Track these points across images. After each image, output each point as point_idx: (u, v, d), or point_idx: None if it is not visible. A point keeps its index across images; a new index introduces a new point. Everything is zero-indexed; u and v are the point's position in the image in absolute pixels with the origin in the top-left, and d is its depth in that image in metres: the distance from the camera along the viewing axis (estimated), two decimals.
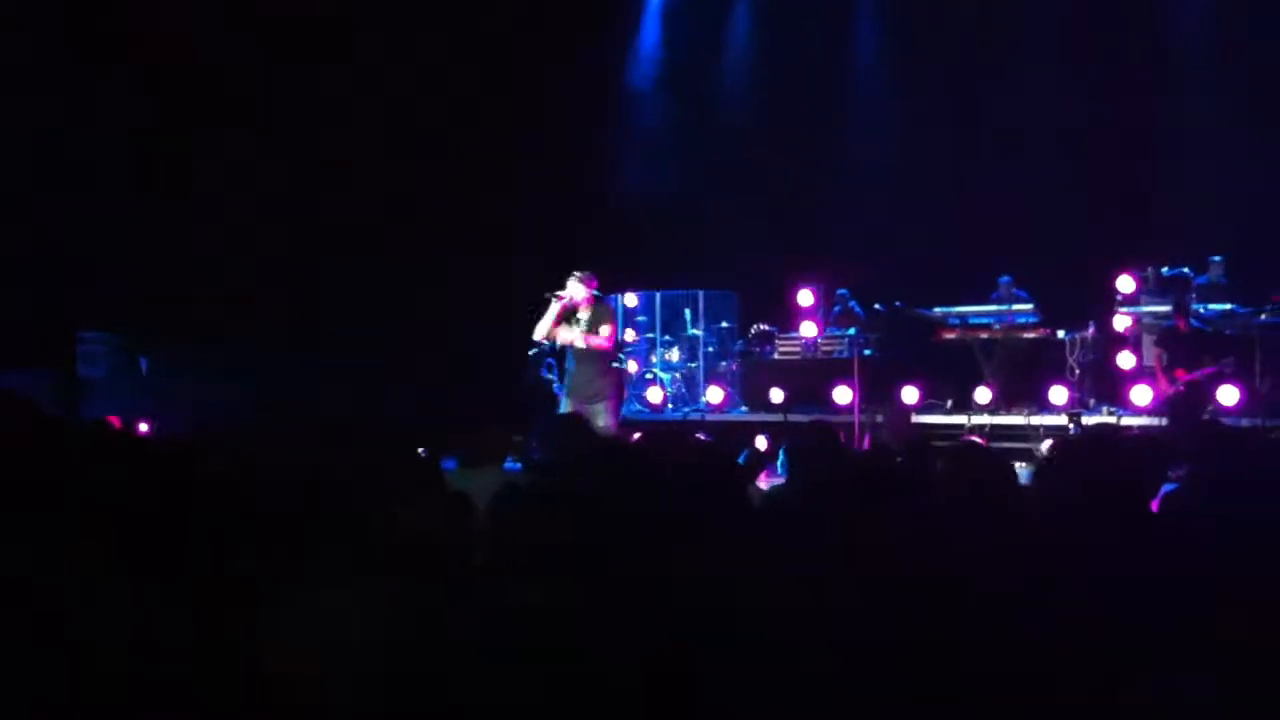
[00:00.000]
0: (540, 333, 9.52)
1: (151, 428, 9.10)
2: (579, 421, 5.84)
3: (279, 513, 3.25)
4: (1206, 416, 10.77)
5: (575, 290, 9.27)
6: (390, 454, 3.75)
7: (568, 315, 9.36)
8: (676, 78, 16.15)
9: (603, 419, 9.05)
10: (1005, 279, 13.06)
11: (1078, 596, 2.80)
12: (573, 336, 9.25)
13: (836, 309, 14.17)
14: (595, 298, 9.45)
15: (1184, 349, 11.06)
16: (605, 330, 9.29)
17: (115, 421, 7.83)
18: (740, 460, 6.31)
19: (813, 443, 4.53)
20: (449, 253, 14.47)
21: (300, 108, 14.04)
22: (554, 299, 9.31)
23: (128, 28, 13.25)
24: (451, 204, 14.73)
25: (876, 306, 13.43)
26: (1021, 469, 5.56)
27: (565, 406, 9.45)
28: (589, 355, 9.29)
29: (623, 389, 10.29)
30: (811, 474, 4.22)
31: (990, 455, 4.02)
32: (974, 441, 7.14)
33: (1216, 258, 12.62)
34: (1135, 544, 3.02)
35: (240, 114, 13.84)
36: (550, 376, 13.25)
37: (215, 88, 13.70)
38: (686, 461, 4.03)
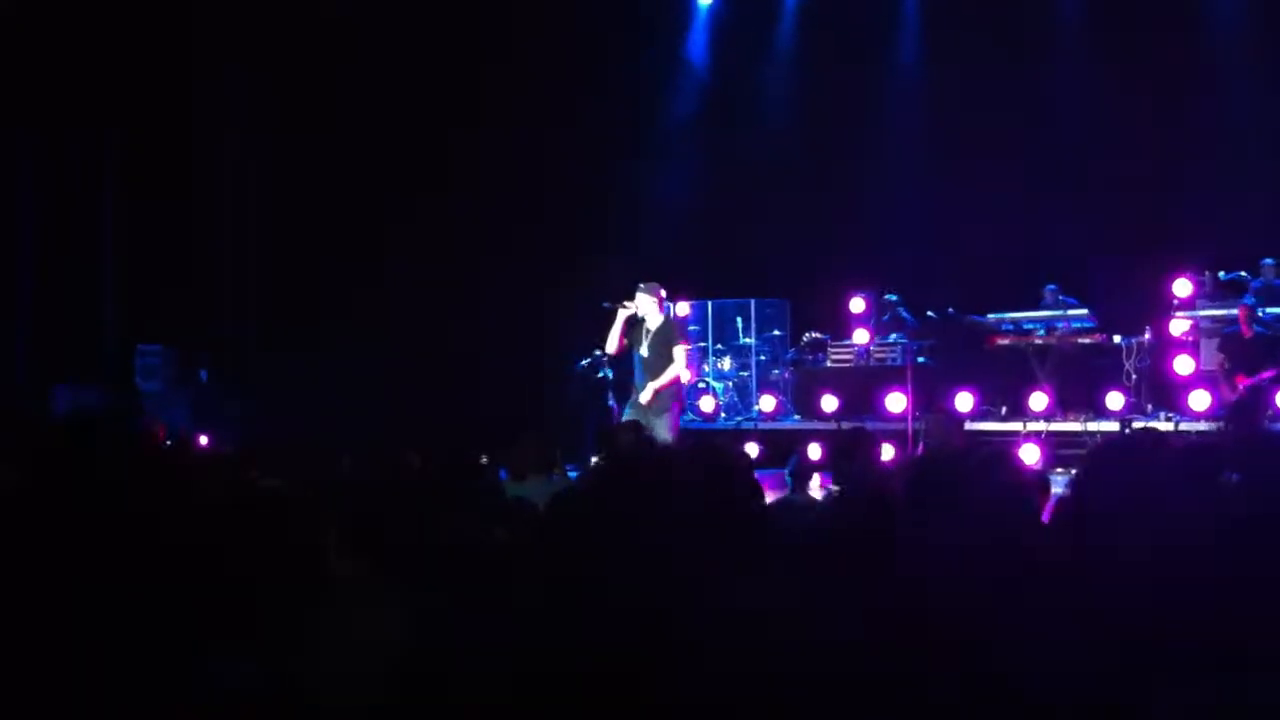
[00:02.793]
0: (611, 346, 9.62)
1: (211, 440, 9.21)
2: (621, 431, 5.91)
3: (340, 521, 3.30)
4: (1266, 421, 10.65)
5: (642, 302, 9.32)
6: (453, 462, 3.79)
7: (633, 325, 9.41)
8: (726, 83, 16.15)
9: (662, 433, 9.00)
10: (1051, 287, 12.91)
11: (1112, 610, 2.77)
12: (653, 384, 9.19)
13: (886, 316, 14.08)
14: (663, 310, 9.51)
15: (1246, 354, 10.91)
16: (679, 353, 9.29)
17: (160, 433, 7.93)
18: (789, 469, 6.35)
19: (851, 448, 4.50)
20: (487, 262, 14.56)
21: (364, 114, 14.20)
22: (619, 309, 9.37)
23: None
24: (495, 212, 14.80)
25: (929, 313, 13.35)
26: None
27: (628, 415, 9.44)
28: (649, 373, 9.27)
29: (683, 402, 10.28)
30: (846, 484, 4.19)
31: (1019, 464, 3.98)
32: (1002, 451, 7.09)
33: (1268, 260, 12.42)
34: (1177, 553, 2.98)
35: (296, 119, 14.02)
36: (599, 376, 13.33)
37: (266, 93, 13.90)
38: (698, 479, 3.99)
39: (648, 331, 9.36)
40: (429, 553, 3.21)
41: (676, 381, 9.49)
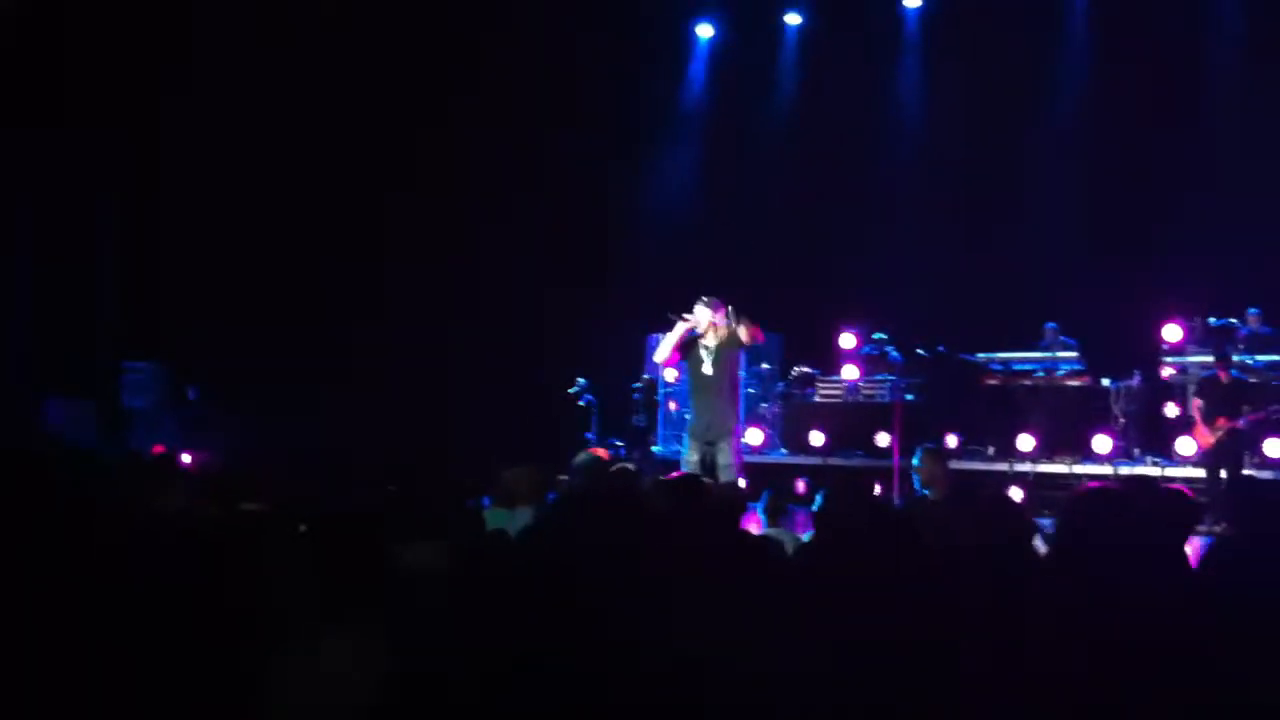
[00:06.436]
0: (661, 356, 9.33)
1: (195, 459, 9.16)
2: (595, 465, 5.89)
3: (308, 549, 3.28)
4: (1247, 467, 10.68)
5: (702, 315, 8.98)
6: (414, 493, 3.77)
7: (689, 342, 9.05)
8: (723, 116, 16.20)
9: (725, 457, 8.73)
10: (1051, 325, 12.97)
11: (1095, 662, 2.76)
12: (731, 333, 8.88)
13: (868, 349, 13.99)
14: (726, 323, 9.03)
15: (1224, 399, 10.92)
16: (746, 330, 8.88)
17: (158, 451, 7.92)
18: (761, 503, 6.34)
19: (844, 495, 4.48)
20: (485, 287, 14.55)
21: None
22: (679, 321, 8.99)
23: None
24: (490, 239, 14.81)
25: (919, 351, 13.34)
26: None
27: (688, 447, 9.08)
28: (713, 391, 8.92)
29: (742, 427, 9.91)
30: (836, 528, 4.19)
31: (1013, 509, 3.98)
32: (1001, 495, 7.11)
33: (1254, 309, 12.46)
34: (1165, 602, 2.98)
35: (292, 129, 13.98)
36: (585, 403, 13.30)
37: (265, 108, 13.85)
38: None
39: (707, 349, 8.98)
40: (401, 581, 3.20)
41: (739, 395, 9.30)
